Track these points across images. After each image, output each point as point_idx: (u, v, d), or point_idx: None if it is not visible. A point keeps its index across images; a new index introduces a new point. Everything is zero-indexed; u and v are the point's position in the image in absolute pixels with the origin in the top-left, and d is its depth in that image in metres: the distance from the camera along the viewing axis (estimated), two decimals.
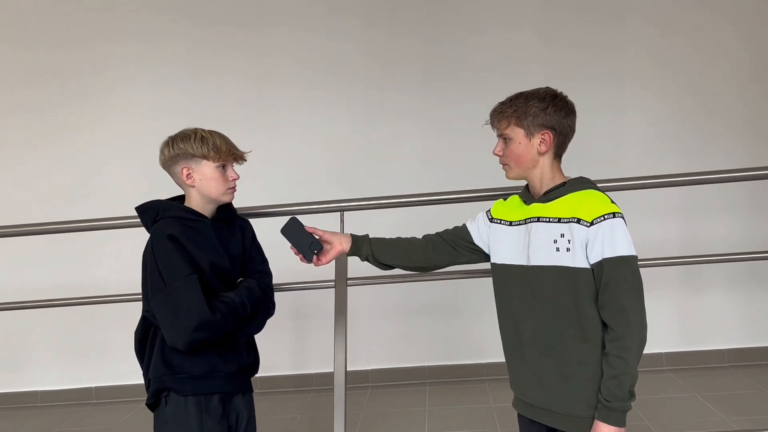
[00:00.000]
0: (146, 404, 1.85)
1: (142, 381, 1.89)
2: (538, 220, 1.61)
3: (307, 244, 1.79)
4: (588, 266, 1.53)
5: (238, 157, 1.86)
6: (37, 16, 4.19)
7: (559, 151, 1.64)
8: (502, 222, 1.73)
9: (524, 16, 4.07)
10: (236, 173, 1.86)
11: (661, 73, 4.03)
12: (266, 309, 1.93)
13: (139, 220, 1.93)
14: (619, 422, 1.49)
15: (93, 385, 4.22)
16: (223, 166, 1.82)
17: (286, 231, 1.81)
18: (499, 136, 1.67)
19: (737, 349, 4.00)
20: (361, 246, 1.86)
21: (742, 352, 3.99)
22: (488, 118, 1.69)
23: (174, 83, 4.15)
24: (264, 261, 2.00)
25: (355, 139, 4.13)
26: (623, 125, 4.04)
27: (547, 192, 1.63)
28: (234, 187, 1.87)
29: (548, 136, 1.60)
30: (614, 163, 3.92)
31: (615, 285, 1.49)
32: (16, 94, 4.20)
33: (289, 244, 1.81)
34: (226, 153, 1.81)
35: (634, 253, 1.52)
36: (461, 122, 4.04)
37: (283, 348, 4.07)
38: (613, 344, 1.50)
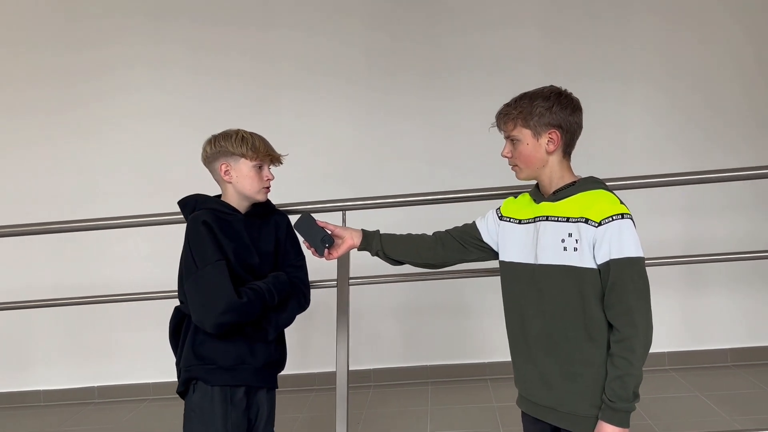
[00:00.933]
0: (177, 392, 1.92)
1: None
2: (546, 219, 1.61)
3: (318, 239, 1.85)
4: (595, 266, 1.52)
5: (274, 158, 1.96)
6: (41, 19, 4.19)
7: (567, 149, 1.64)
8: (512, 220, 1.73)
9: (526, 11, 4.05)
10: (271, 174, 1.96)
11: (665, 70, 4.01)
12: (297, 301, 1.99)
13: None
14: (622, 423, 1.49)
15: (96, 385, 4.22)
16: (260, 166, 1.92)
17: (299, 226, 1.88)
18: (506, 137, 1.66)
19: (740, 349, 3.99)
20: (372, 241, 1.88)
21: (745, 351, 3.98)
22: (494, 120, 1.68)
23: (177, 86, 4.15)
24: (299, 255, 2.06)
25: (357, 139, 4.13)
26: (626, 122, 4.03)
27: (556, 191, 1.62)
28: (268, 187, 1.96)
29: (556, 135, 1.59)
30: (617, 160, 3.90)
31: (621, 286, 1.49)
32: (20, 96, 4.20)
33: (302, 239, 1.87)
34: (263, 153, 1.91)
35: (641, 255, 1.51)
36: (463, 121, 4.04)
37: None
38: (618, 345, 1.49)
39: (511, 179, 2.28)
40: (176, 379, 1.94)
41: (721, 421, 3.08)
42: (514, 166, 1.68)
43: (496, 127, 1.69)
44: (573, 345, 1.56)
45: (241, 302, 1.76)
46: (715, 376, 3.76)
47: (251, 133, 1.92)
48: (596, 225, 1.51)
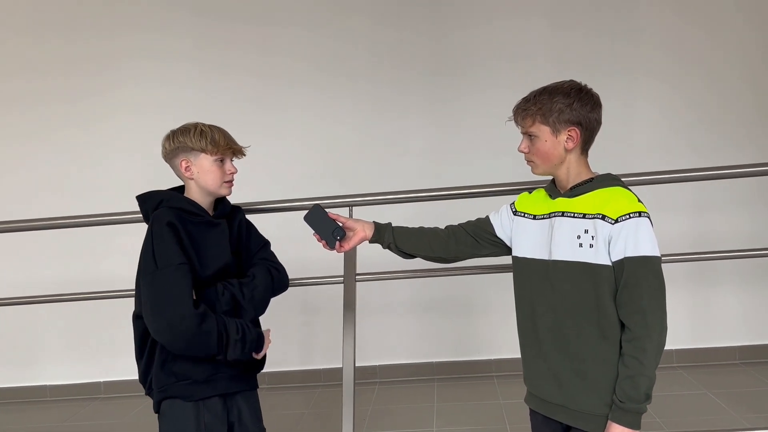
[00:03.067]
0: (154, 411, 1.87)
1: None
2: (562, 215, 1.58)
3: (330, 231, 1.80)
4: (610, 263, 1.50)
5: (236, 151, 1.90)
6: (45, 9, 4.19)
7: (585, 146, 1.61)
8: (526, 215, 1.70)
9: (533, 6, 4.02)
10: (234, 167, 1.90)
11: (673, 65, 3.97)
12: (267, 271, 1.93)
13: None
14: (633, 424, 1.46)
15: (102, 380, 4.24)
16: (222, 160, 1.86)
17: (309, 218, 1.83)
18: (524, 133, 1.63)
19: (748, 346, 3.97)
20: (384, 233, 1.85)
21: (753, 349, 3.95)
22: (510, 114, 1.64)
23: (182, 79, 4.15)
24: (260, 239, 2.02)
25: (362, 135, 4.12)
26: (633, 117, 3.99)
27: (573, 187, 1.60)
28: (231, 181, 1.91)
29: (575, 132, 1.56)
30: (624, 156, 3.85)
31: (635, 284, 1.46)
32: (24, 87, 4.21)
33: (312, 231, 1.82)
34: (224, 147, 1.85)
35: (657, 254, 1.48)
36: (470, 117, 4.02)
37: (291, 343, 4.06)
38: (629, 344, 1.47)
39: (518, 175, 2.28)
40: None
41: (730, 419, 3.06)
42: (530, 162, 1.65)
43: (512, 121, 1.65)
44: (585, 342, 1.54)
45: (198, 312, 1.68)
46: (723, 374, 3.74)
47: (210, 126, 1.86)
48: (613, 222, 1.49)
